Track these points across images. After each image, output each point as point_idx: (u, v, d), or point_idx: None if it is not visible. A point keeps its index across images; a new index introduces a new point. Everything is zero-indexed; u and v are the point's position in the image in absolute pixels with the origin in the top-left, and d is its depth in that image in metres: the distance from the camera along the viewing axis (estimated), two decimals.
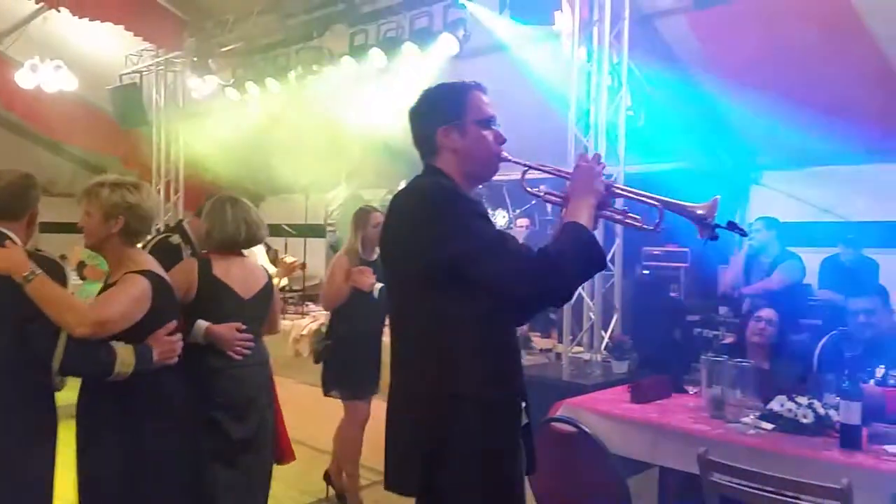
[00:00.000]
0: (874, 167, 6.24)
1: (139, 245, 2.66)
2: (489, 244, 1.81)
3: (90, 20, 7.46)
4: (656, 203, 1.97)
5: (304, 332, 7.29)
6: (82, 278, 7.18)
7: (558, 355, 5.54)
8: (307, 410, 5.05)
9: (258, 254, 4.96)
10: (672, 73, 6.19)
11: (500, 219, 7.75)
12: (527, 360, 5.32)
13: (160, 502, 2.44)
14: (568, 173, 2.06)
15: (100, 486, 2.41)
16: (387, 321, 2.23)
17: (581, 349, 5.39)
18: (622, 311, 5.42)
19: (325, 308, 4.45)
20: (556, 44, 5.48)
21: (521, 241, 6.63)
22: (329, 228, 8.77)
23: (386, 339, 3.53)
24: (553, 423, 3.11)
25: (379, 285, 3.98)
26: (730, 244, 6.72)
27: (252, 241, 3.24)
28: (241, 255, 3.24)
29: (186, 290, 2.99)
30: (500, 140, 2.02)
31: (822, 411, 2.91)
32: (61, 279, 2.46)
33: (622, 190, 2.06)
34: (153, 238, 3.23)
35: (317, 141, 7.98)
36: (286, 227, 9.47)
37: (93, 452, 2.41)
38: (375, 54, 6.59)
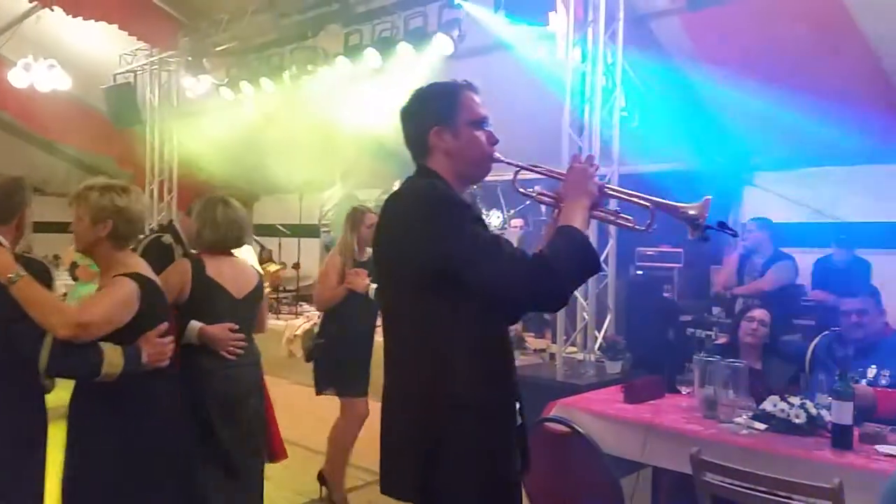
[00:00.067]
0: (867, 168, 6.27)
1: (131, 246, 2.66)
2: (484, 248, 1.81)
3: (84, 19, 7.45)
4: (647, 204, 1.97)
5: (298, 332, 7.28)
6: (75, 279, 7.16)
7: (552, 355, 5.53)
8: (301, 411, 5.05)
9: (248, 255, 4.95)
10: (666, 74, 6.21)
11: (494, 219, 7.75)
12: (520, 360, 5.33)
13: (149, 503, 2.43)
14: (560, 174, 2.06)
15: (85, 485, 2.39)
16: (379, 321, 2.23)
17: (575, 349, 5.39)
18: (616, 311, 5.42)
19: (319, 309, 4.46)
20: (551, 44, 5.48)
21: (515, 241, 6.65)
22: (324, 229, 8.77)
23: (378, 338, 3.55)
24: (547, 423, 3.12)
25: (373, 286, 3.99)
26: (723, 245, 6.75)
27: (239, 242, 3.27)
28: (232, 254, 3.26)
29: (180, 290, 3.00)
30: (493, 141, 2.02)
31: (814, 411, 2.92)
32: (47, 282, 2.47)
33: (614, 191, 2.07)
34: (145, 238, 3.23)
35: (311, 141, 7.98)
36: (280, 227, 9.47)
37: (80, 452, 2.40)
38: (370, 54, 6.59)
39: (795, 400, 2.99)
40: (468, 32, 6.08)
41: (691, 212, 1.94)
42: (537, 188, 2.18)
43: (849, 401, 2.77)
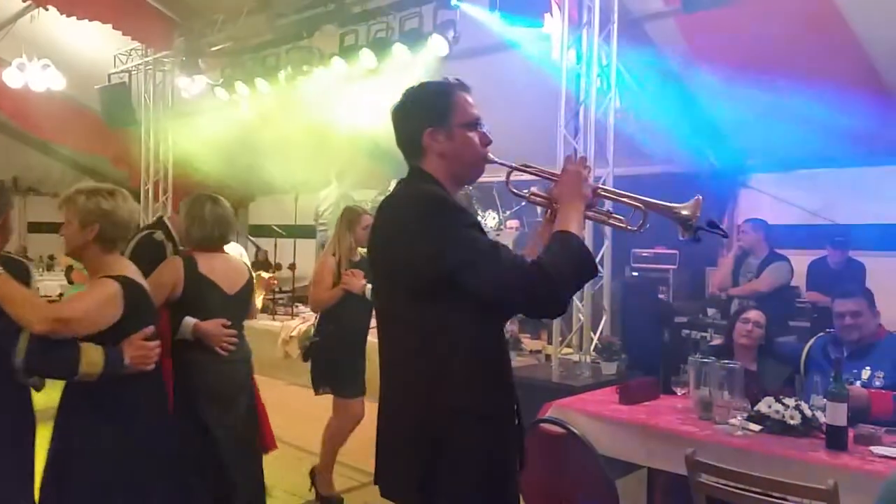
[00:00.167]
0: (862, 170, 6.29)
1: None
2: (483, 254, 1.80)
3: (78, 19, 7.41)
4: (639, 205, 1.98)
5: (294, 333, 7.28)
6: (70, 282, 7.16)
7: (548, 357, 5.54)
8: (295, 411, 5.05)
9: (244, 256, 4.95)
10: (661, 76, 6.22)
11: (490, 221, 7.76)
12: (516, 361, 5.33)
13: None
14: (551, 174, 2.07)
15: (69, 485, 2.38)
16: (373, 322, 2.23)
17: (570, 350, 5.40)
18: (611, 312, 5.43)
19: (314, 310, 4.46)
20: (546, 46, 5.49)
21: (511, 242, 6.65)
22: (320, 228, 8.75)
23: (372, 338, 3.55)
24: (542, 425, 3.12)
25: (369, 286, 3.99)
26: (718, 246, 6.77)
27: (224, 240, 3.31)
28: (223, 251, 3.31)
29: (174, 287, 3.05)
30: (486, 142, 2.01)
31: (808, 413, 2.92)
32: (25, 280, 2.47)
33: (606, 192, 2.07)
34: (136, 234, 3.24)
35: (306, 142, 7.96)
36: (276, 228, 9.45)
37: (64, 451, 2.39)
38: (365, 55, 6.58)
39: (790, 401, 2.99)
40: (463, 34, 6.08)
41: (684, 212, 1.95)
42: (533, 189, 2.18)
43: (843, 402, 2.77)
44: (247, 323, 3.41)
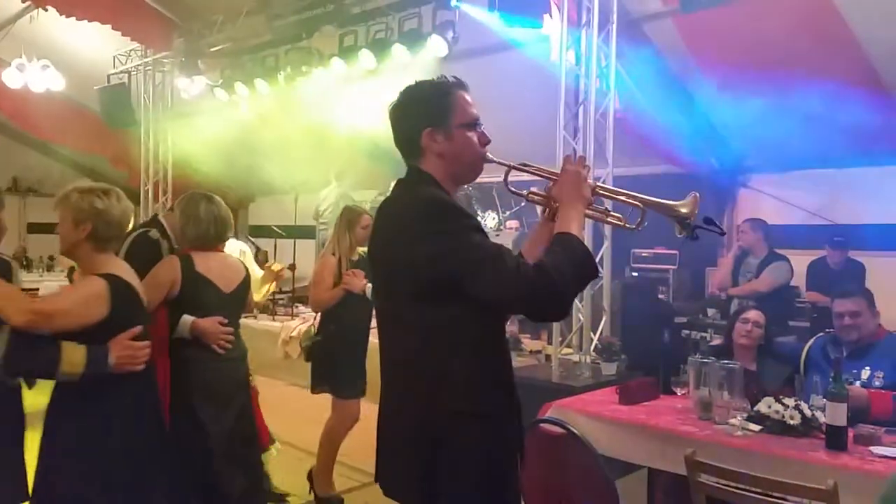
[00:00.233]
0: (861, 170, 6.28)
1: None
2: (487, 259, 1.80)
3: (77, 20, 7.40)
4: (637, 202, 1.98)
5: (294, 333, 7.27)
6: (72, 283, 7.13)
7: (548, 357, 5.55)
8: (294, 412, 5.05)
9: (247, 256, 4.94)
10: (660, 77, 6.22)
11: (490, 221, 7.76)
12: (516, 361, 5.33)
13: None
14: (550, 173, 2.06)
15: (56, 484, 2.38)
16: (373, 322, 2.23)
17: (570, 351, 5.40)
18: (611, 313, 5.43)
19: (315, 310, 4.46)
20: (545, 47, 5.49)
21: (511, 242, 6.65)
22: (321, 227, 8.76)
23: (372, 339, 3.55)
24: (542, 425, 3.12)
25: (370, 286, 4.00)
26: (718, 246, 6.77)
27: (221, 238, 3.31)
28: (220, 250, 3.32)
29: (171, 285, 3.07)
30: (485, 141, 2.01)
31: (808, 413, 2.93)
32: (7, 276, 2.50)
33: (605, 190, 2.08)
34: (132, 232, 3.24)
35: (306, 142, 7.96)
36: (276, 229, 9.44)
37: (55, 450, 2.38)
38: (364, 55, 6.58)
39: (790, 401, 2.99)
40: (462, 34, 6.08)
41: (682, 209, 1.95)
42: (533, 189, 2.18)
43: (843, 402, 2.78)
44: (246, 323, 3.42)
